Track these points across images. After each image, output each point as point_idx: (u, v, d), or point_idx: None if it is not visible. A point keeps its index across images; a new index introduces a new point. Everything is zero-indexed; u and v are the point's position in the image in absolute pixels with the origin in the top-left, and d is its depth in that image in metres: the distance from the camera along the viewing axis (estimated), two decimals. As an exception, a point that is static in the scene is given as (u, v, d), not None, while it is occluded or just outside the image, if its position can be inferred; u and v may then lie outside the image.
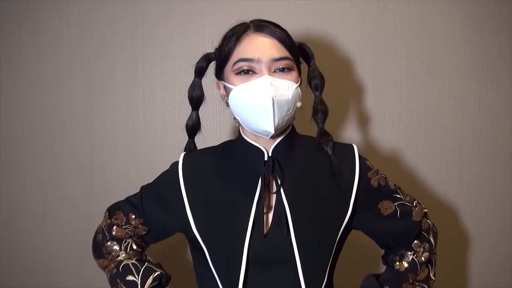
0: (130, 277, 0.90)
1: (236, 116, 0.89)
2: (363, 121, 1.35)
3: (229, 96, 0.87)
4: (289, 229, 0.85)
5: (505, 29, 1.34)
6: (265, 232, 0.86)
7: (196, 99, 0.97)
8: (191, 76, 0.96)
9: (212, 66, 0.95)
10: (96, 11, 1.32)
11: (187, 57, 1.32)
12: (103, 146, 1.35)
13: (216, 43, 0.93)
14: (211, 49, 0.94)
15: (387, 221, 0.94)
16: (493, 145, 1.37)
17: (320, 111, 0.92)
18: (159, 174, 0.97)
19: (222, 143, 1.00)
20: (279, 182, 0.87)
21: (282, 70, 0.84)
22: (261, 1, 1.31)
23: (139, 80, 1.34)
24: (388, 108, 1.35)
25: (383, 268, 1.01)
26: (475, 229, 1.39)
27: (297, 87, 0.86)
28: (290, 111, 0.85)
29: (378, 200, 0.93)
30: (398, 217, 0.93)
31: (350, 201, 0.89)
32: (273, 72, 0.84)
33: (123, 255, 0.94)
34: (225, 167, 0.92)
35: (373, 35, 1.33)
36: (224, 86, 0.89)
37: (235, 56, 0.85)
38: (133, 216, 0.95)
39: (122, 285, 0.90)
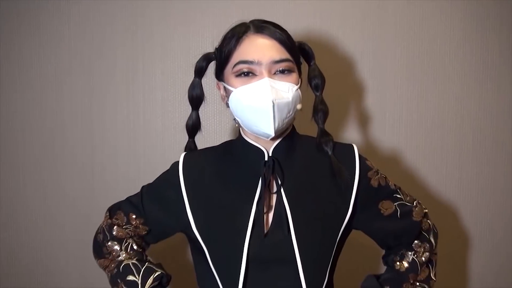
0: (130, 277, 0.90)
1: (236, 118, 0.89)
2: (363, 121, 1.35)
3: (229, 98, 0.87)
4: (290, 229, 0.85)
5: (505, 29, 1.34)
6: (265, 232, 0.86)
7: (196, 99, 0.97)
8: (191, 76, 0.96)
9: (212, 66, 0.95)
10: (96, 11, 1.32)
11: (187, 57, 1.32)
12: (103, 146, 1.35)
13: (216, 43, 0.93)
14: (211, 49, 0.94)
15: (387, 221, 0.94)
16: (493, 145, 1.37)
17: (320, 110, 0.92)
18: (159, 174, 0.97)
19: (222, 143, 1.00)
20: (280, 182, 0.87)
21: (282, 72, 0.84)
22: (261, 1, 1.31)
23: (139, 80, 1.34)
24: (388, 108, 1.35)
25: (383, 268, 1.01)
26: (475, 229, 1.39)
27: (297, 89, 0.85)
28: (290, 113, 0.85)
29: (378, 200, 0.93)
30: (398, 217, 0.93)
31: (350, 201, 0.89)
32: (273, 74, 0.84)
33: (124, 255, 0.94)
34: (226, 167, 0.92)
35: (373, 35, 1.33)
36: (224, 87, 0.89)
37: (235, 58, 0.85)
38: (134, 216, 0.95)
39: (123, 285, 0.90)
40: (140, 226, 0.95)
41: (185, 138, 1.01)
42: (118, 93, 1.34)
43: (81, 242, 1.34)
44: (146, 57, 1.33)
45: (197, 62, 0.95)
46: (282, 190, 0.87)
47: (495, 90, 1.36)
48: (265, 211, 0.86)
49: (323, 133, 0.92)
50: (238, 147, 0.93)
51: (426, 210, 1.00)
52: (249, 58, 0.83)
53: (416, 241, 0.97)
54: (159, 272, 0.91)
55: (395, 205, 0.94)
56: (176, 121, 1.34)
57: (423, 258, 0.96)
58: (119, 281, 0.91)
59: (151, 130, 1.35)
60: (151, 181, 0.98)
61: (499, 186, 1.38)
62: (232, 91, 0.85)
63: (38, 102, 1.34)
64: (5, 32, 1.32)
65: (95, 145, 1.35)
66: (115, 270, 0.92)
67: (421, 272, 0.95)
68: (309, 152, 0.92)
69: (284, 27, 0.88)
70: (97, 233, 1.00)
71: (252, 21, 0.88)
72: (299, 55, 0.91)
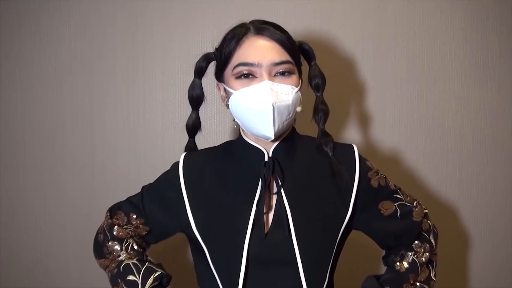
0: (130, 277, 0.90)
1: (236, 120, 0.89)
2: (364, 121, 1.35)
3: (229, 100, 0.87)
4: (290, 229, 0.85)
5: (505, 29, 1.34)
6: (265, 232, 0.86)
7: (196, 99, 0.97)
8: (191, 76, 0.96)
9: (212, 66, 0.94)
10: (96, 11, 1.32)
11: (187, 57, 1.32)
12: (103, 146, 1.35)
13: (216, 43, 0.92)
14: (211, 49, 0.94)
15: (388, 222, 0.94)
16: (494, 145, 1.37)
17: (321, 111, 0.92)
18: (159, 174, 0.98)
19: (222, 143, 1.00)
20: (280, 183, 0.87)
21: (283, 74, 0.84)
22: (262, 1, 1.31)
23: (140, 80, 1.34)
24: (388, 108, 1.35)
25: (383, 268, 1.01)
26: (475, 229, 1.39)
27: (297, 91, 0.85)
28: (290, 115, 0.84)
29: (378, 200, 0.93)
30: (398, 218, 0.93)
31: (350, 201, 0.89)
32: (273, 76, 0.84)
33: (124, 255, 0.94)
34: (226, 168, 0.92)
35: (373, 35, 1.33)
36: (224, 88, 0.89)
37: (235, 59, 0.85)
38: (134, 216, 0.95)
39: (123, 285, 0.90)
40: (141, 226, 0.95)
41: (185, 138, 1.01)
42: (119, 93, 1.34)
43: (81, 242, 1.34)
44: (147, 57, 1.33)
45: (197, 62, 0.94)
46: (282, 190, 0.87)
47: (495, 90, 1.36)
48: (265, 212, 0.86)
49: (324, 134, 0.92)
50: (238, 147, 0.93)
51: (426, 211, 1.00)
52: (249, 60, 0.83)
53: (416, 242, 0.97)
54: (159, 272, 0.91)
55: (395, 205, 0.94)
56: (176, 121, 1.34)
57: (423, 259, 0.96)
58: (119, 281, 0.91)
59: (151, 130, 1.35)
60: (151, 181, 0.98)
61: (499, 186, 1.38)
62: (232, 93, 0.85)
63: (39, 102, 1.34)
64: (5, 32, 1.32)
65: (96, 145, 1.35)
66: (116, 270, 0.93)
67: (421, 272, 0.95)
68: (309, 153, 0.92)
69: (284, 27, 0.88)
70: (97, 233, 1.00)
71: (252, 22, 0.88)
72: (300, 56, 0.90)
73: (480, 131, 1.37)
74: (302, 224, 0.85)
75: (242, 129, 0.92)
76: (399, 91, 1.35)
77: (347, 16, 1.32)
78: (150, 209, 0.95)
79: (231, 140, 0.99)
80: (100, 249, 0.98)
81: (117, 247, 0.95)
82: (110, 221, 0.97)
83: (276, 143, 0.90)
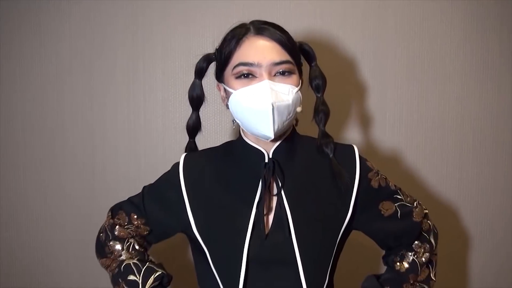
0: (131, 277, 0.90)
1: (236, 120, 0.89)
2: (364, 121, 1.35)
3: (229, 100, 0.87)
4: (290, 230, 0.85)
5: (505, 29, 1.34)
6: (265, 233, 0.86)
7: (196, 99, 0.97)
8: (192, 76, 0.96)
9: (212, 67, 0.94)
10: (96, 11, 1.32)
11: (188, 57, 1.32)
12: (104, 146, 1.35)
13: (216, 43, 0.92)
14: (211, 49, 0.94)
15: (388, 222, 0.94)
16: (494, 145, 1.37)
17: (321, 112, 0.92)
18: (160, 174, 0.98)
19: (223, 143, 1.00)
20: (280, 184, 0.87)
21: (283, 73, 0.84)
22: (262, 1, 1.31)
23: (140, 80, 1.34)
24: (388, 108, 1.35)
25: (383, 268, 1.01)
26: (475, 229, 1.39)
27: (297, 91, 0.85)
28: (290, 115, 0.84)
29: (378, 201, 0.93)
30: (398, 218, 0.94)
31: (350, 202, 0.89)
32: (273, 76, 0.83)
33: (125, 255, 0.95)
34: (226, 168, 0.93)
35: (374, 35, 1.33)
36: (224, 88, 0.89)
37: (235, 59, 0.85)
38: (135, 216, 0.95)
39: (124, 285, 0.91)
40: (142, 226, 0.96)
41: (185, 138, 1.01)
42: (119, 93, 1.34)
43: (82, 242, 1.34)
44: (147, 57, 1.33)
45: (198, 63, 0.94)
46: (282, 192, 0.87)
47: (496, 90, 1.36)
48: (265, 213, 0.86)
49: (324, 135, 0.92)
50: (238, 148, 0.93)
51: (427, 211, 1.00)
52: (249, 60, 0.83)
53: (416, 242, 0.97)
54: (160, 272, 0.92)
55: (395, 206, 0.94)
56: (176, 121, 1.34)
57: (423, 259, 0.96)
58: (120, 280, 0.91)
59: (151, 130, 1.35)
60: (151, 181, 0.98)
61: (499, 186, 1.38)
62: (232, 93, 0.85)
63: (39, 102, 1.34)
64: (5, 32, 1.32)
65: (96, 145, 1.35)
66: (117, 269, 0.93)
67: (421, 272, 0.96)
68: (309, 153, 0.92)
69: (284, 27, 0.88)
70: (99, 233, 1.00)
71: (252, 22, 0.88)
72: (300, 56, 0.90)
73: (480, 131, 1.37)
74: (302, 225, 0.85)
75: (242, 129, 0.92)
76: (400, 91, 1.35)
77: (348, 16, 1.32)
78: (150, 209, 0.95)
79: (232, 141, 0.99)
80: (101, 249, 0.98)
81: (118, 246, 0.95)
82: (111, 221, 0.97)
83: (276, 144, 0.90)
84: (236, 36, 0.85)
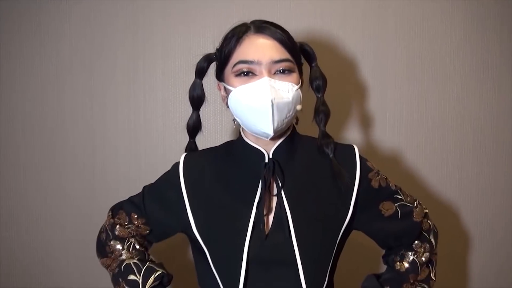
0: (131, 276, 0.90)
1: (235, 118, 0.89)
2: (364, 121, 1.35)
3: (229, 98, 0.87)
4: (290, 231, 0.85)
5: (505, 29, 1.34)
6: (265, 233, 0.86)
7: (197, 99, 0.97)
8: (192, 76, 0.96)
9: (212, 67, 0.95)
10: (97, 11, 1.32)
11: (188, 57, 1.32)
12: (104, 146, 1.35)
13: (217, 43, 0.92)
14: (212, 49, 0.94)
15: (388, 222, 0.94)
16: (494, 145, 1.37)
17: (321, 112, 0.92)
18: (160, 174, 0.98)
19: (223, 143, 1.00)
20: (280, 185, 0.87)
21: (283, 72, 0.84)
22: (262, 1, 1.31)
23: (140, 80, 1.34)
24: (389, 108, 1.35)
25: (383, 269, 1.01)
26: (475, 229, 1.39)
27: (297, 89, 0.85)
28: (290, 113, 0.84)
29: (379, 201, 0.93)
30: (399, 218, 0.93)
31: (350, 202, 0.89)
32: (273, 74, 0.84)
33: (126, 254, 0.95)
34: (226, 168, 0.93)
35: (374, 35, 1.33)
36: (225, 87, 0.89)
37: (235, 57, 0.85)
38: (136, 216, 0.95)
39: (124, 284, 0.91)
40: (142, 226, 0.96)
41: (186, 138, 1.01)
42: (119, 93, 1.34)
43: (82, 242, 1.34)
44: (147, 56, 1.33)
45: (198, 62, 0.94)
46: (282, 192, 0.87)
47: (496, 90, 1.36)
48: (265, 213, 0.86)
49: (324, 135, 0.92)
50: (238, 148, 0.93)
51: (427, 211, 1.00)
52: (249, 58, 0.83)
53: (416, 242, 0.97)
54: (160, 272, 0.92)
55: (395, 206, 0.94)
56: (177, 121, 1.34)
57: (423, 258, 0.96)
58: (120, 280, 0.91)
59: (152, 130, 1.35)
60: (152, 181, 0.98)
61: (499, 186, 1.38)
62: (232, 90, 0.85)
63: (39, 102, 1.34)
64: (5, 32, 1.32)
65: (96, 145, 1.35)
66: (117, 269, 0.93)
67: (421, 272, 0.96)
68: (309, 153, 0.92)
69: (284, 27, 0.88)
70: (100, 232, 1.00)
71: (253, 22, 0.88)
72: (300, 56, 0.90)
73: (480, 131, 1.37)
74: (302, 225, 0.85)
75: (242, 129, 0.92)
76: (400, 91, 1.35)
77: (348, 16, 1.32)
78: (151, 209, 0.95)
79: (232, 140, 0.99)
80: (102, 248, 0.98)
81: (118, 246, 0.95)
82: (112, 220, 0.97)
83: (276, 144, 0.89)
84: (236, 35, 0.85)
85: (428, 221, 0.99)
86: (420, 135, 1.36)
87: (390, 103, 1.35)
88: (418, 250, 0.96)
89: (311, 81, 0.94)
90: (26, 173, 1.36)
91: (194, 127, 0.99)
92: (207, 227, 0.89)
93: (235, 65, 0.84)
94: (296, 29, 1.23)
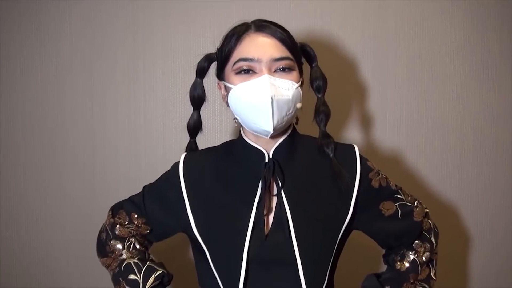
0: (132, 276, 0.90)
1: (235, 116, 0.89)
2: (364, 121, 1.35)
3: (229, 95, 0.87)
4: (290, 231, 0.85)
5: (506, 29, 1.34)
6: (265, 233, 0.86)
7: (197, 99, 0.97)
8: (192, 76, 0.96)
9: (213, 66, 0.95)
10: (97, 11, 1.32)
11: (188, 57, 1.32)
12: (104, 146, 1.35)
13: (217, 43, 0.93)
14: (212, 49, 0.94)
15: (388, 222, 0.94)
16: (494, 145, 1.37)
17: (322, 112, 0.92)
18: (160, 174, 0.98)
19: (223, 143, 1.00)
20: (280, 184, 0.87)
21: (283, 70, 0.84)
22: (262, 1, 1.31)
23: (140, 80, 1.34)
24: (389, 108, 1.35)
25: (383, 268, 1.01)
26: (475, 229, 1.39)
27: (297, 87, 0.85)
28: (290, 111, 0.84)
29: (379, 200, 0.93)
30: (399, 218, 0.93)
31: (351, 202, 0.89)
32: (273, 72, 0.84)
33: (126, 254, 0.95)
34: (226, 168, 0.93)
35: (374, 35, 1.33)
36: (225, 86, 0.89)
37: (236, 55, 0.85)
38: (136, 216, 0.95)
39: (124, 284, 0.91)
40: (142, 225, 0.96)
41: (186, 137, 1.01)
42: (119, 93, 1.34)
43: (82, 242, 1.34)
44: (147, 56, 1.33)
45: (199, 62, 0.95)
46: (282, 192, 0.87)
47: (496, 90, 1.36)
48: (265, 213, 0.86)
49: (325, 135, 0.92)
50: (238, 147, 0.93)
51: (427, 210, 1.00)
52: (249, 55, 0.83)
53: (417, 241, 0.97)
54: (161, 271, 0.92)
55: (396, 205, 0.94)
56: (177, 121, 1.34)
57: (424, 258, 0.96)
58: (120, 279, 0.91)
59: (152, 130, 1.35)
60: (152, 181, 0.98)
61: (499, 186, 1.38)
62: (232, 88, 0.85)
63: (39, 102, 1.34)
64: (5, 32, 1.32)
65: (96, 145, 1.35)
66: (117, 269, 0.93)
67: (421, 271, 0.96)
68: (310, 153, 0.92)
69: (285, 27, 0.88)
70: (100, 232, 1.00)
71: (253, 21, 0.88)
72: (300, 55, 0.91)
73: (480, 131, 1.37)
74: (302, 225, 0.85)
75: (242, 128, 0.92)
76: (400, 91, 1.35)
77: (348, 16, 1.32)
78: (151, 209, 0.95)
79: (232, 140, 0.99)
80: (102, 248, 0.98)
81: (119, 246, 0.95)
82: (112, 220, 0.97)
83: (276, 144, 0.89)
84: (236, 33, 0.86)
85: (429, 220, 0.99)
86: (420, 135, 1.36)
87: (390, 103, 1.35)
88: (419, 249, 0.96)
89: (311, 82, 0.94)
90: (26, 173, 1.36)
91: (194, 127, 0.99)
92: (207, 227, 0.89)
93: (235, 63, 0.84)
94: (296, 29, 1.23)
